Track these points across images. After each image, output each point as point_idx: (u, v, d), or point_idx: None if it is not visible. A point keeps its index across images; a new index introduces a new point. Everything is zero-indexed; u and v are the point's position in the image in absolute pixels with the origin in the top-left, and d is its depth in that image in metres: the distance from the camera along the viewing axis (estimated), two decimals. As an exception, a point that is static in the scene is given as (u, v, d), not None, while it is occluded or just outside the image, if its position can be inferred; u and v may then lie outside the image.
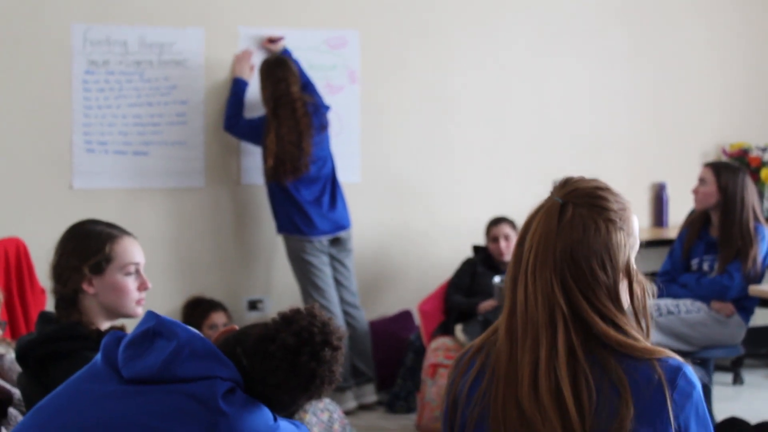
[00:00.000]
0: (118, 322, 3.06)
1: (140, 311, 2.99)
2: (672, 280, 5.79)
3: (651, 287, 2.16)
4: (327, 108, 6.30)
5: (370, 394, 6.36)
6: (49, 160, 6.13)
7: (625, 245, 2.09)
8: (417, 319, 6.55)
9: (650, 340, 2.12)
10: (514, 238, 6.29)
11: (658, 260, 6.28)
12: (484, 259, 6.38)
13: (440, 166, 6.96)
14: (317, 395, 2.24)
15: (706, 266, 5.75)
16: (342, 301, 6.35)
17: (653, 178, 7.52)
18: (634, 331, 2.07)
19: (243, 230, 6.54)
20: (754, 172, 7.33)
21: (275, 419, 2.16)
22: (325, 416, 5.06)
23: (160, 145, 6.32)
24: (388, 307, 6.86)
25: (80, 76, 6.15)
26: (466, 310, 6.16)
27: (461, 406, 2.16)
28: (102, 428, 2.09)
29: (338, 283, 6.35)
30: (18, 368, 3.19)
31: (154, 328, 2.17)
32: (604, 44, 7.35)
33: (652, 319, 2.15)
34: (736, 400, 6.46)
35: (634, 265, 2.12)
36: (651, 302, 2.15)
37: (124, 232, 3.04)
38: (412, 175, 6.89)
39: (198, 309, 6.27)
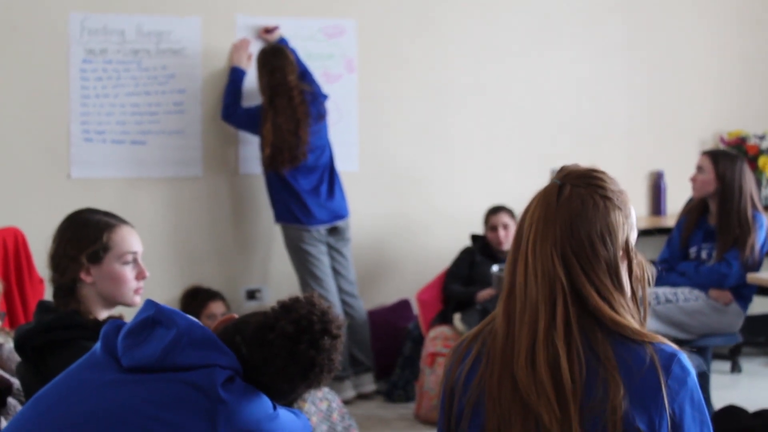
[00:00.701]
0: (116, 311, 3.06)
1: (138, 300, 2.99)
2: (670, 268, 5.79)
3: (651, 269, 2.19)
4: (325, 97, 6.29)
5: (368, 384, 6.36)
6: (47, 150, 6.12)
7: (623, 224, 2.13)
8: (415, 308, 6.56)
9: (646, 324, 2.14)
10: (512, 226, 6.30)
11: (656, 249, 6.28)
12: (482, 248, 6.38)
13: (438, 154, 6.95)
14: (317, 384, 2.24)
15: (704, 254, 5.75)
16: (340, 290, 6.35)
17: (651, 166, 7.52)
18: (627, 315, 2.09)
19: (241, 220, 6.54)
20: (751, 160, 7.33)
21: (274, 407, 2.17)
22: (323, 405, 5.07)
23: (158, 134, 6.31)
24: (387, 296, 6.86)
25: (78, 65, 6.14)
26: (465, 299, 6.16)
27: (458, 394, 2.17)
28: (102, 417, 2.09)
29: (336, 273, 6.35)
30: (17, 357, 3.19)
31: (154, 316, 2.17)
32: (602, 33, 7.35)
33: (650, 306, 2.18)
34: (734, 388, 6.47)
35: (633, 247, 2.15)
36: (650, 283, 2.18)
37: (121, 221, 3.04)
38: (411, 164, 6.89)
39: (196, 298, 6.27)
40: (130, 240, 3.00)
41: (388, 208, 6.86)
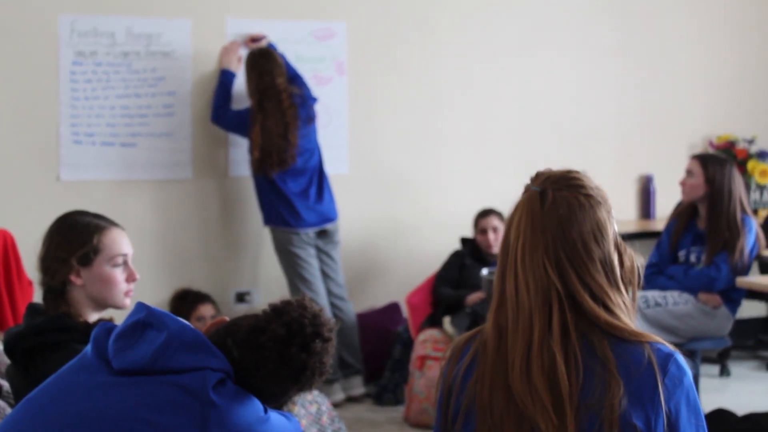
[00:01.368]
0: (107, 313, 3.05)
1: (128, 303, 2.99)
2: (659, 271, 5.80)
3: (639, 259, 2.20)
4: (314, 100, 6.29)
5: (357, 387, 6.36)
6: (37, 152, 6.11)
7: (609, 220, 2.15)
8: (405, 311, 6.55)
9: (635, 311, 2.16)
10: (502, 229, 6.27)
11: (645, 252, 6.29)
12: (472, 251, 6.38)
13: (428, 157, 6.96)
14: (308, 387, 2.24)
15: (693, 258, 5.76)
16: (329, 293, 6.34)
17: (640, 170, 7.53)
18: (624, 315, 2.10)
19: (231, 222, 6.53)
20: (740, 164, 7.35)
21: (265, 411, 2.16)
22: (313, 408, 5.07)
23: (148, 136, 6.31)
24: (376, 299, 6.86)
25: (67, 67, 6.13)
26: (454, 303, 6.16)
27: (455, 392, 2.17)
28: (92, 419, 2.08)
29: (325, 276, 6.35)
30: (6, 360, 3.18)
31: (145, 319, 2.16)
32: (592, 37, 7.36)
33: (640, 309, 2.19)
34: (722, 391, 6.48)
35: (620, 239, 2.17)
36: (640, 273, 2.20)
37: (111, 224, 3.03)
38: (400, 167, 6.89)
39: (185, 301, 6.26)
40: (121, 242, 2.99)
41: (377, 211, 6.85)
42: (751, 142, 7.53)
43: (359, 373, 6.38)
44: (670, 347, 2.08)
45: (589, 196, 2.13)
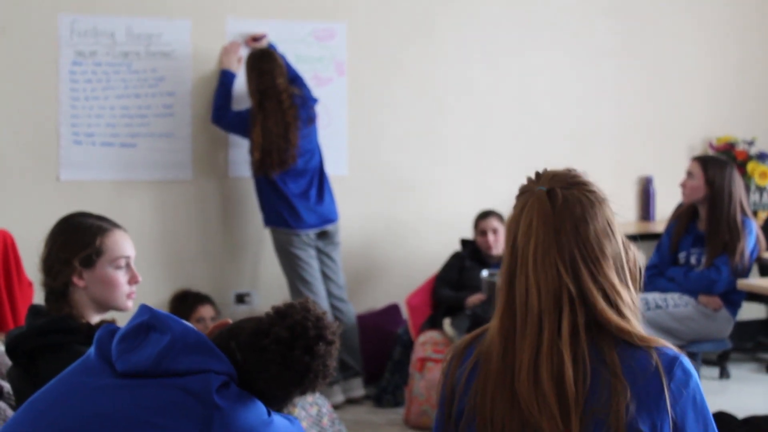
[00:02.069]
0: (109, 315, 3.04)
1: (131, 305, 2.98)
2: (660, 273, 5.80)
3: (641, 255, 2.20)
4: (315, 101, 6.28)
5: (357, 388, 6.35)
6: (36, 152, 6.10)
7: (614, 216, 2.14)
8: (405, 312, 6.55)
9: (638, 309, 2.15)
10: (502, 231, 6.29)
11: (645, 254, 6.29)
12: (472, 253, 6.38)
13: (428, 159, 6.95)
14: (311, 389, 2.23)
15: (693, 260, 5.76)
16: (329, 294, 6.33)
17: (640, 171, 7.52)
18: (633, 317, 2.09)
19: (230, 223, 6.52)
20: (740, 166, 7.34)
21: (269, 413, 2.16)
22: (314, 410, 5.06)
23: (148, 137, 6.30)
24: (376, 300, 6.86)
25: (67, 67, 6.13)
26: (454, 304, 6.16)
27: (459, 394, 2.16)
28: (96, 422, 2.08)
29: (326, 277, 6.34)
30: (7, 361, 3.17)
31: (148, 321, 2.16)
32: (592, 38, 7.35)
33: (640, 311, 2.18)
34: (722, 394, 6.47)
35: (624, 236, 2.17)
36: (641, 268, 2.19)
37: (114, 225, 3.02)
38: (400, 168, 6.88)
39: (185, 302, 6.25)
40: (123, 244, 2.98)
41: (377, 212, 6.85)
42: (751, 143, 7.52)
43: (359, 375, 6.37)
44: (676, 350, 2.07)
45: (594, 193, 2.12)
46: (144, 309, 2.20)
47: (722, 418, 5.05)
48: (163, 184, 6.36)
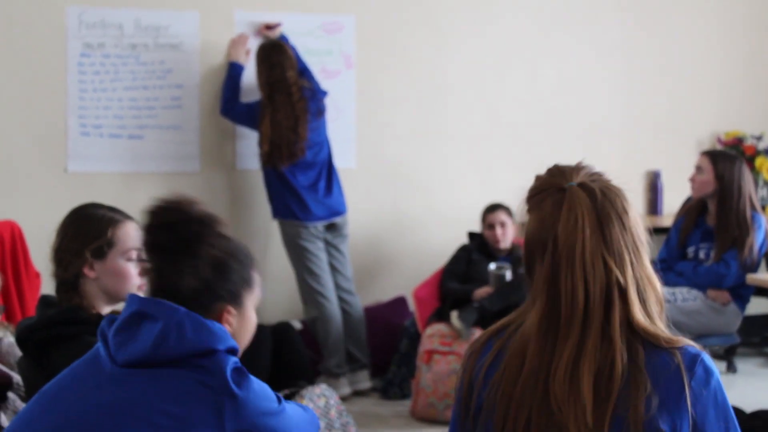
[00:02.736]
0: (119, 306, 3.04)
1: (142, 297, 2.98)
2: (668, 268, 5.79)
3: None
4: (324, 93, 6.27)
5: (364, 381, 6.35)
6: (44, 144, 6.11)
7: None
8: (412, 305, 6.54)
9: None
10: (509, 224, 6.29)
11: (653, 248, 6.26)
12: (479, 246, 6.37)
13: (436, 152, 6.95)
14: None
15: (702, 254, 5.75)
16: (337, 286, 6.33)
17: (648, 166, 7.51)
18: (658, 318, 2.08)
19: (238, 215, 6.52)
20: (749, 161, 7.33)
21: (279, 401, 2.19)
22: (321, 402, 5.06)
23: (155, 128, 6.30)
24: (383, 293, 6.85)
25: (75, 58, 6.12)
26: (462, 297, 6.15)
27: (477, 388, 2.14)
28: (102, 413, 2.09)
29: (333, 269, 6.34)
30: (16, 352, 3.18)
31: (139, 310, 2.17)
32: (600, 32, 7.34)
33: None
34: (729, 388, 6.38)
35: None
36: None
37: (126, 217, 3.02)
38: (408, 161, 6.88)
39: (192, 294, 6.23)
40: (135, 236, 2.97)
41: (385, 205, 6.85)
42: (759, 138, 7.51)
43: (366, 367, 6.37)
44: (697, 347, 2.06)
45: (618, 187, 2.12)
46: (132, 299, 2.22)
47: (730, 412, 5.04)
48: (171, 176, 6.37)
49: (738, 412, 5.01)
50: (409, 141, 6.88)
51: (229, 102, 6.21)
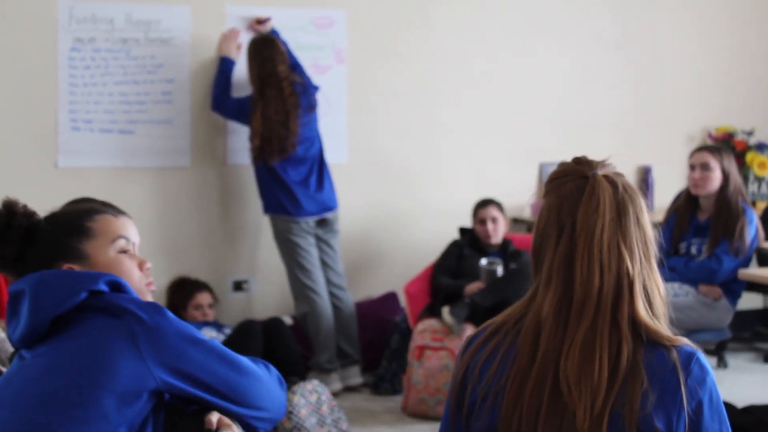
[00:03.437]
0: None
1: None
2: (660, 263, 5.78)
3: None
4: (316, 88, 6.26)
5: (355, 376, 6.34)
6: (34, 138, 6.08)
7: None
8: (403, 300, 6.54)
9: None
10: (501, 220, 6.29)
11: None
12: (470, 241, 6.37)
13: (427, 147, 6.94)
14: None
15: (694, 250, 5.77)
16: (328, 282, 6.32)
17: (639, 161, 7.52)
18: (662, 316, 2.09)
19: (229, 210, 6.51)
20: (739, 156, 7.35)
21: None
22: (313, 398, 5.05)
23: (146, 123, 6.28)
24: (374, 288, 6.85)
25: (66, 53, 6.10)
26: (453, 292, 6.14)
27: (472, 383, 2.14)
28: (16, 397, 2.14)
29: (325, 265, 6.32)
30: (8, 347, 3.14)
31: (12, 293, 2.23)
32: (591, 27, 7.34)
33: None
34: (720, 384, 6.34)
35: None
36: None
37: (119, 212, 3.00)
38: (399, 157, 6.87)
39: (183, 289, 6.23)
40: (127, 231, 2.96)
41: (376, 201, 6.84)
42: (749, 133, 7.52)
43: (357, 363, 6.36)
44: (693, 346, 2.07)
45: (637, 189, 2.16)
46: (9, 287, 2.28)
47: (722, 407, 5.04)
48: (162, 171, 6.35)
49: (729, 407, 5.01)
50: (401, 136, 6.87)
51: (220, 97, 6.19)
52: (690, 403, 1.99)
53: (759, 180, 7.48)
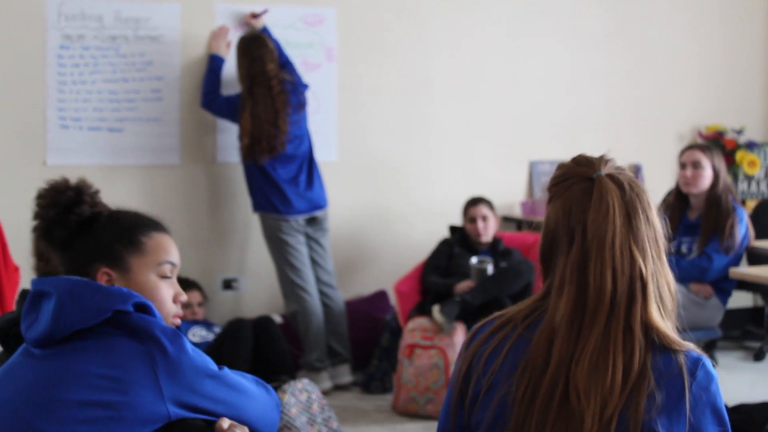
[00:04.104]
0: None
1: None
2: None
3: None
4: (305, 87, 6.25)
5: (345, 375, 6.33)
6: (23, 136, 6.05)
7: None
8: (393, 299, 6.53)
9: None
10: (491, 218, 6.28)
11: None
12: (460, 240, 6.36)
13: (417, 145, 6.93)
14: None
15: (684, 248, 5.77)
16: (318, 280, 6.31)
17: (629, 159, 7.51)
18: (669, 318, 2.06)
19: (218, 208, 6.49)
20: (729, 155, 7.36)
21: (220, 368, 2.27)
22: (303, 397, 5.04)
23: (135, 121, 6.25)
24: (364, 287, 6.84)
25: (55, 50, 6.07)
26: (443, 291, 6.13)
27: (477, 374, 2.12)
28: (36, 387, 2.13)
29: (314, 263, 6.31)
30: (-2, 347, 3.13)
31: (35, 291, 2.21)
32: (582, 25, 7.34)
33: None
34: (710, 382, 6.46)
35: None
36: None
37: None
38: (389, 155, 6.86)
39: (172, 287, 6.20)
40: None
41: (366, 199, 6.83)
42: (739, 132, 7.53)
43: (347, 362, 6.35)
44: (698, 351, 2.05)
45: (641, 183, 2.14)
46: (33, 282, 2.25)
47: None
48: (151, 169, 6.33)
49: (720, 406, 5.01)
50: (391, 134, 6.86)
51: (210, 95, 6.17)
52: (693, 409, 1.97)
53: (749, 178, 7.49)
